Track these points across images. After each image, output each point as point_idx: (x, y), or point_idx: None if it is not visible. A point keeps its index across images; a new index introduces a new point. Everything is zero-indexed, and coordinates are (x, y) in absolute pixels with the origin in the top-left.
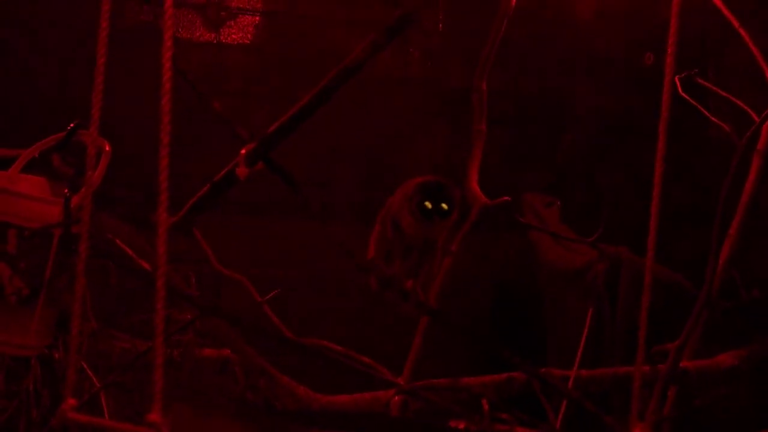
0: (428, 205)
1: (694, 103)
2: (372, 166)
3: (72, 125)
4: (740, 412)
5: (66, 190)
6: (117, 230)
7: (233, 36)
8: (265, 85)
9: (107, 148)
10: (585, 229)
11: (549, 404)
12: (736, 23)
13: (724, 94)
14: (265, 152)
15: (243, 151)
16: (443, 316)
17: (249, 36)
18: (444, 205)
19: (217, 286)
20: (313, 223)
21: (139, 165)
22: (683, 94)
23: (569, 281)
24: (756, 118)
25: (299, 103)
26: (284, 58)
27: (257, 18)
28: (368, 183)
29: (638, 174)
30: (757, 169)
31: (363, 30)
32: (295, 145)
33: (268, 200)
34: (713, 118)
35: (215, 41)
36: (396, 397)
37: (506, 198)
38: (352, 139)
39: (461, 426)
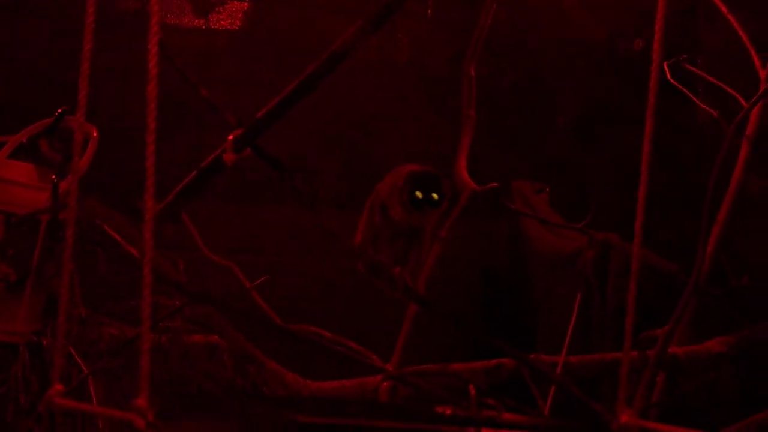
0: (419, 195)
1: (682, 88)
2: (359, 152)
3: (60, 111)
4: (727, 398)
5: (53, 176)
6: (106, 216)
7: (222, 22)
8: (253, 71)
9: (95, 134)
10: (574, 216)
11: (538, 390)
12: (724, 8)
13: (711, 79)
14: (253, 138)
15: (230, 137)
16: (431, 302)
17: (237, 22)
18: (434, 195)
19: (205, 272)
20: (301, 210)
21: (127, 152)
22: (671, 80)
23: (559, 267)
24: (744, 104)
25: (287, 89)
26: (272, 44)
27: (246, 4)
28: (355, 169)
29: (626, 160)
30: (745, 155)
31: (352, 17)
32: (280, 132)
33: (257, 187)
34: (701, 104)
35: (204, 27)
36: (385, 383)
37: (495, 184)
38: (338, 125)
39: (448, 411)
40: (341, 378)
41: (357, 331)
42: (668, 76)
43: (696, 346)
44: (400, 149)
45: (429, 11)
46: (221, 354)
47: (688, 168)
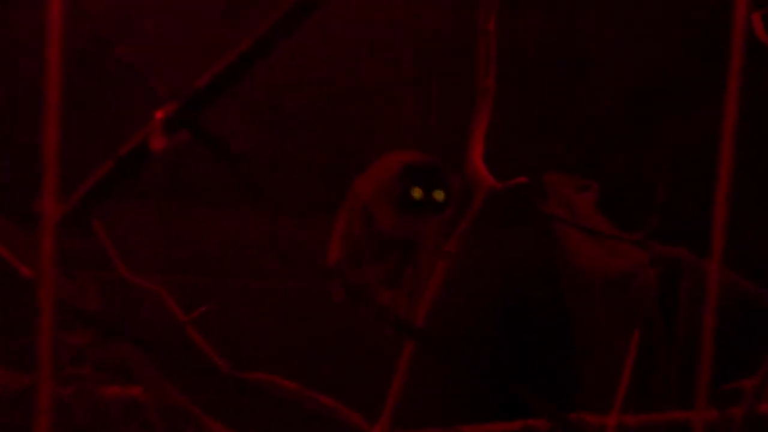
0: (416, 194)
1: None
2: (335, 136)
3: None
4: None
5: None
6: None
7: None
8: (191, 27)
9: None
10: (629, 224)
11: None
12: None
13: None
14: (191, 116)
15: (159, 115)
16: (434, 340)
17: None
18: (438, 194)
19: (125, 299)
20: (258, 215)
21: (21, 138)
22: (763, 37)
23: (608, 292)
24: None
25: (237, 49)
26: None
27: None
28: (330, 160)
29: (698, 151)
30: None
31: None
32: (229, 110)
33: (197, 184)
34: None
35: None
36: None
37: (522, 179)
38: (307, 100)
39: None
40: None
41: (332, 379)
42: (760, 32)
43: None
44: (390, 132)
45: None
46: (145, 411)
47: None
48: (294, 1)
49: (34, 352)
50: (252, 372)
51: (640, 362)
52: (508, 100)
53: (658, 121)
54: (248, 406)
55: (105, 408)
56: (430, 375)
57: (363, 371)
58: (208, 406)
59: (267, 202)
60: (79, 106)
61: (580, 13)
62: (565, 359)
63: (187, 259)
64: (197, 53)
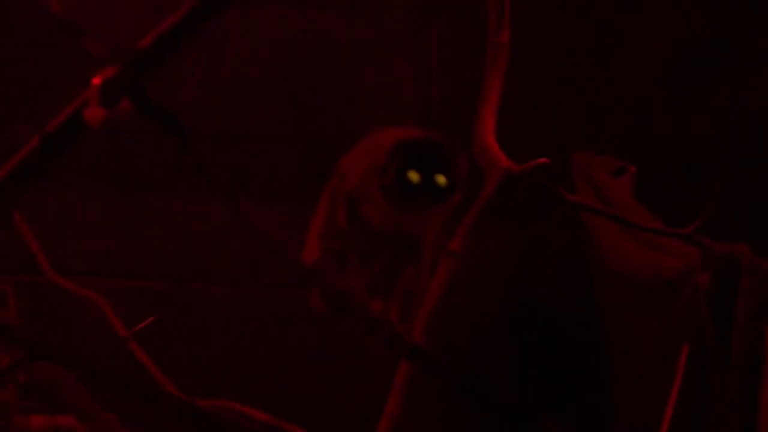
0: (413, 177)
1: None
2: (311, 108)
3: None
4: None
5: None
6: None
7: None
8: None
9: None
10: (674, 215)
11: None
12: None
13: None
14: (135, 83)
15: (97, 81)
16: (435, 360)
17: None
18: (439, 179)
19: (53, 309)
20: (216, 203)
21: None
22: None
23: (650, 299)
24: None
25: (188, 3)
26: None
27: None
28: (307, 136)
29: (753, 128)
30: None
31: None
32: (182, 76)
33: (144, 166)
34: None
35: None
36: None
37: (544, 160)
38: (278, 64)
39: None
40: None
41: (310, 408)
42: None
43: None
44: (380, 102)
45: None
46: None
47: None
48: None
49: None
50: (210, 398)
51: (688, 386)
52: (526, 63)
53: (706, 88)
54: None
55: None
56: (429, 402)
57: (348, 398)
58: None
59: (228, 188)
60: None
61: None
62: (598, 383)
63: (133, 259)
64: (141, 7)
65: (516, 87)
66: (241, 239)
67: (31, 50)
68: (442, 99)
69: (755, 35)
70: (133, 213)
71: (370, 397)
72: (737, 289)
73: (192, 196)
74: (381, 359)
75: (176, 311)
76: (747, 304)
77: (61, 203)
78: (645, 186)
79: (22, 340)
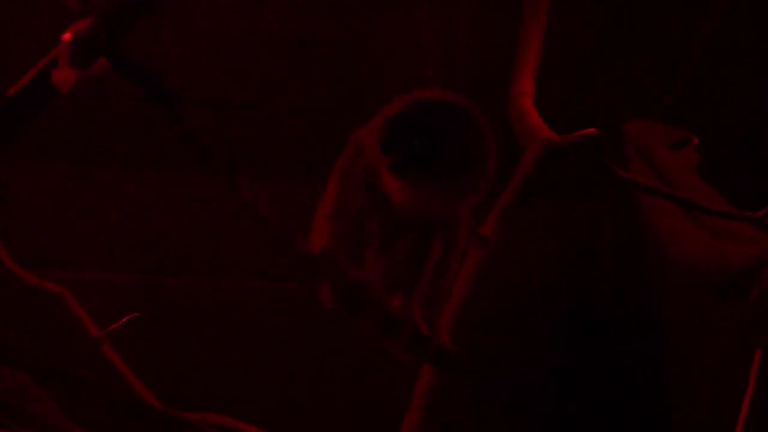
0: (417, 147)
1: None
2: (324, 73)
3: None
4: None
5: None
6: None
7: None
8: None
9: None
10: (744, 195)
11: None
12: None
13: None
14: (110, 39)
15: (67, 36)
16: (463, 362)
17: None
18: (454, 147)
19: (14, 305)
20: (207, 182)
21: None
22: None
23: (716, 292)
24: None
25: None
26: None
27: None
28: (315, 106)
29: None
30: None
31: None
32: (171, 33)
33: (123, 137)
34: None
35: None
36: None
37: (592, 130)
38: (285, 22)
39: None
40: None
41: (314, 418)
42: None
43: None
44: (402, 64)
45: None
46: None
47: None
48: None
49: None
50: (197, 410)
51: (762, 393)
52: (569, 17)
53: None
54: None
55: None
56: (456, 412)
57: (361, 408)
58: None
59: (225, 164)
60: None
61: None
62: (655, 388)
63: (109, 248)
64: None
65: (559, 44)
66: (239, 224)
67: None
68: (472, 59)
69: None
70: (107, 194)
71: (386, 407)
72: None
73: (178, 174)
74: (401, 362)
75: (158, 308)
76: None
77: (26, 181)
78: (711, 160)
79: None
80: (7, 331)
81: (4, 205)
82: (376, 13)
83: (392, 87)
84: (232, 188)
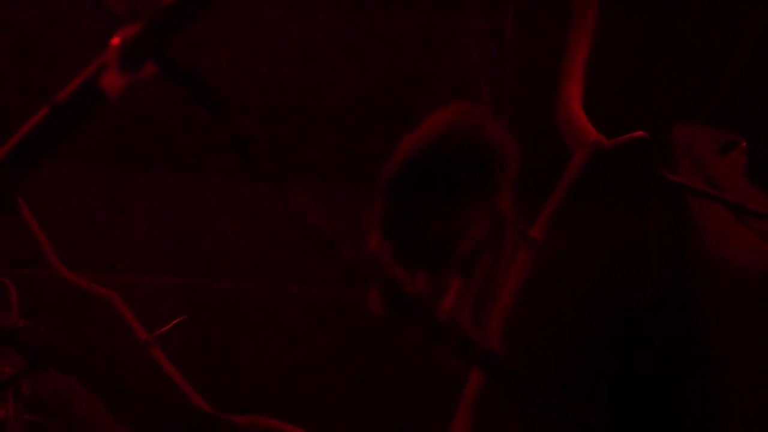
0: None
1: None
2: (375, 73)
3: None
4: None
5: None
6: None
7: None
8: None
9: None
10: None
11: None
12: None
13: None
14: (160, 44)
15: (115, 41)
16: (512, 368)
17: None
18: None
19: (62, 308)
20: (259, 186)
21: None
22: None
23: (763, 294)
24: None
25: None
26: None
27: None
28: (368, 108)
29: None
30: None
31: None
32: (216, 39)
33: (164, 143)
34: None
35: None
36: None
37: (640, 133)
38: (332, 22)
39: None
40: None
41: (361, 426)
42: None
43: None
44: (445, 71)
45: None
46: None
47: None
48: None
49: None
50: (244, 413)
51: None
52: (616, 20)
53: None
54: None
55: None
56: (504, 419)
57: (407, 414)
58: None
59: (272, 169)
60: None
61: None
62: (700, 389)
63: (156, 252)
64: None
65: (607, 45)
66: (286, 229)
67: (38, 9)
68: (518, 63)
69: None
70: (155, 199)
71: (433, 413)
72: None
73: (226, 179)
74: (449, 368)
75: (205, 312)
76: None
77: (73, 185)
78: (759, 163)
79: (25, 346)
80: (54, 335)
81: (47, 211)
82: (423, 17)
83: (439, 91)
84: (278, 194)
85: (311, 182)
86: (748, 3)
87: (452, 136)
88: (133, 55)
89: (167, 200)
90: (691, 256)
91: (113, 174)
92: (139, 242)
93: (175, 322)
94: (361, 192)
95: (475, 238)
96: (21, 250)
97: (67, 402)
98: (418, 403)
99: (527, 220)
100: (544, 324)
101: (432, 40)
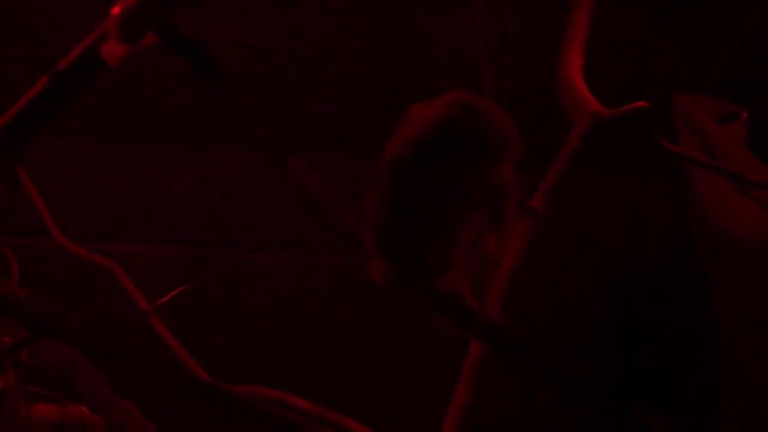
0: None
1: None
2: (369, 42)
3: None
4: None
5: None
6: None
7: None
8: None
9: None
10: None
11: None
12: None
13: None
14: (160, 14)
15: (116, 10)
16: (512, 339)
17: None
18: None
19: (63, 279)
20: (252, 156)
21: None
22: None
23: (765, 265)
24: None
25: None
26: None
27: None
28: (370, 77)
29: None
30: None
31: None
32: (218, 7)
33: (162, 112)
34: None
35: None
36: None
37: (641, 103)
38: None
39: None
40: None
41: (360, 393)
42: None
43: None
44: (446, 38)
45: None
46: None
47: None
48: None
49: None
50: (245, 384)
51: None
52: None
53: None
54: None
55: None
56: (505, 390)
57: (407, 384)
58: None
59: (272, 139)
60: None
61: None
62: (702, 366)
63: (155, 222)
64: None
65: (605, 19)
66: (287, 198)
67: None
68: (519, 35)
69: None
70: (154, 168)
71: (433, 384)
72: None
73: (226, 148)
74: (449, 338)
75: (205, 281)
76: None
77: (73, 156)
78: (761, 134)
79: (25, 315)
80: (54, 305)
81: (46, 180)
82: None
83: (441, 62)
84: (278, 163)
85: (311, 152)
86: None
87: (452, 122)
88: (133, 24)
89: (168, 171)
90: (692, 227)
91: (113, 145)
92: (141, 213)
93: (176, 291)
94: (360, 163)
95: (479, 212)
96: (21, 220)
97: (66, 373)
98: (420, 375)
99: (528, 191)
100: (544, 295)
101: (433, 10)
